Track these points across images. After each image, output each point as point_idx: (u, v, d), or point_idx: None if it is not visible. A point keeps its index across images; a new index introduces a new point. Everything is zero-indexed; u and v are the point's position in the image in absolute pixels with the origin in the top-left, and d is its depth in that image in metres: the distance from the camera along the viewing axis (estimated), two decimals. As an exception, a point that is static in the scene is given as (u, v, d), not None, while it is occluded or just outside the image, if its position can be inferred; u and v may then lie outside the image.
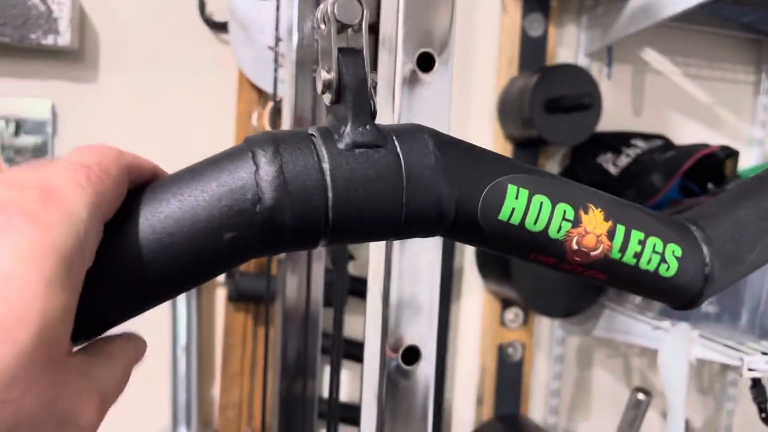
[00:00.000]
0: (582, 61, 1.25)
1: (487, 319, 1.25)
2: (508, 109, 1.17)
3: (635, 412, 1.05)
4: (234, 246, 0.25)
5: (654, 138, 1.20)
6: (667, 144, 1.19)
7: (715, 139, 1.34)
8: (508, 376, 1.26)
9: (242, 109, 1.06)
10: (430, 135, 0.29)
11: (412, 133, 0.29)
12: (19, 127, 1.05)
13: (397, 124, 0.30)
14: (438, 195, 0.28)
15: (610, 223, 0.32)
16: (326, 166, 0.27)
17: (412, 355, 0.49)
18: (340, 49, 0.29)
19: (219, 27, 1.06)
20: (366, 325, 0.51)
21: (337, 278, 0.87)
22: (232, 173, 0.26)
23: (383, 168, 0.28)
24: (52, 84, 1.00)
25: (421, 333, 0.49)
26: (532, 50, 1.19)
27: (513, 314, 1.24)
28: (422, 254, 0.49)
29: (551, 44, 1.22)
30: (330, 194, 0.26)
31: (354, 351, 1.09)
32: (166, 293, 0.26)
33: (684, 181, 1.10)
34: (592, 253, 0.32)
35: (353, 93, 0.28)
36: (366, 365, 0.51)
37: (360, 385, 0.53)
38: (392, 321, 0.48)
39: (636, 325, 1.08)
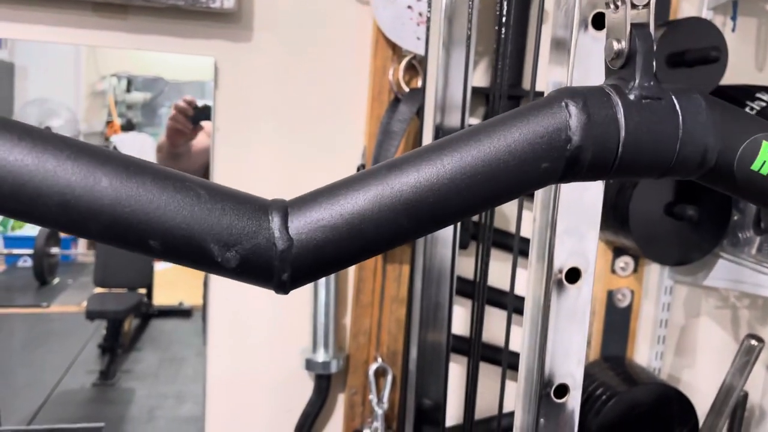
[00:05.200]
0: (706, 14, 1.25)
1: (598, 265, 1.31)
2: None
3: (747, 358, 1.09)
4: (545, 173, 0.34)
5: (779, 92, 1.19)
6: (793, 98, 1.18)
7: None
8: (616, 320, 1.32)
9: (378, 65, 1.15)
10: (700, 94, 0.36)
11: (686, 91, 0.36)
12: (131, 83, 1.16)
13: (672, 84, 0.36)
14: (705, 145, 0.35)
15: None
16: (620, 113, 0.34)
17: (573, 275, 0.57)
18: (633, 25, 0.36)
19: (357, -12, 1.15)
20: (531, 248, 0.60)
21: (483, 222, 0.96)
22: (550, 117, 0.34)
23: (664, 115, 0.34)
24: (215, 43, 1.13)
25: (583, 257, 0.57)
26: (659, 4, 1.21)
27: (624, 262, 1.30)
28: (587, 188, 0.56)
29: (675, -2, 1.23)
30: (622, 134, 0.34)
31: (492, 296, 1.18)
32: (494, 204, 0.34)
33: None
34: None
35: (642, 58, 0.35)
36: (529, 283, 0.60)
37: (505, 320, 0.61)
38: (557, 247, 0.57)
39: (753, 275, 1.11)
